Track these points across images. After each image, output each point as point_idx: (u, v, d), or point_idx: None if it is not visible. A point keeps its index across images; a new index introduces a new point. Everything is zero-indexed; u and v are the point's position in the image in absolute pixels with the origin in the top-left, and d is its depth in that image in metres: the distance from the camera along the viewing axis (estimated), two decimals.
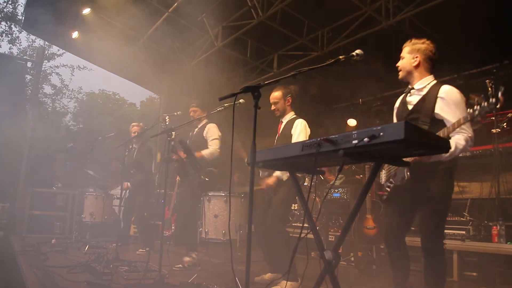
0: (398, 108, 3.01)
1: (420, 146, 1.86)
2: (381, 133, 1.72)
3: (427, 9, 6.11)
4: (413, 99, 2.83)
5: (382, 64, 8.33)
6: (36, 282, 3.68)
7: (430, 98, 2.68)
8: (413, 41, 2.86)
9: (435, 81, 2.79)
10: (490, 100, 2.25)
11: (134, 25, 9.00)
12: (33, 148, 7.99)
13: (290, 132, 4.02)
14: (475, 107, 2.32)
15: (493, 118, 5.18)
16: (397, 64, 2.92)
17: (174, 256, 5.16)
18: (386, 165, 2.92)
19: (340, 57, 2.25)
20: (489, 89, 5.59)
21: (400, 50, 2.93)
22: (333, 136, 1.92)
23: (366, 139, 1.76)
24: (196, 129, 5.10)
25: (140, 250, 6.07)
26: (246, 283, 2.09)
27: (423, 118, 2.65)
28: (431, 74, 2.83)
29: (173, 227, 7.09)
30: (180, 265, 4.67)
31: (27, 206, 7.28)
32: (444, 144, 1.98)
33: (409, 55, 2.84)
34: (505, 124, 5.12)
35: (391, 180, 2.83)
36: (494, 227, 4.65)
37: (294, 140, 3.92)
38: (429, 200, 2.63)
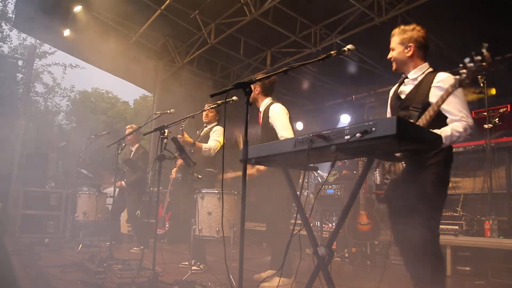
0: (392, 98, 2.91)
1: (412, 141, 1.86)
2: (373, 128, 1.72)
3: (419, 5, 6.12)
4: (406, 88, 2.74)
5: (375, 61, 8.39)
6: (30, 282, 3.65)
7: (424, 86, 2.59)
8: (402, 28, 2.72)
9: (431, 69, 2.69)
10: (475, 58, 2.19)
11: (126, 23, 8.95)
12: (26, 147, 7.93)
13: (269, 121, 3.99)
14: (462, 71, 2.24)
15: (485, 113, 5.21)
16: (389, 56, 2.79)
17: (168, 255, 5.16)
18: (380, 164, 2.80)
19: (332, 52, 2.24)
20: (481, 84, 5.59)
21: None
22: (326, 132, 1.92)
23: (358, 135, 1.75)
24: (206, 129, 5.07)
25: (135, 248, 6.06)
26: (240, 280, 2.08)
27: (414, 105, 2.56)
28: (425, 61, 2.72)
29: (167, 225, 7.08)
30: (187, 263, 4.69)
31: (20, 206, 7.23)
32: (437, 140, 1.98)
33: (401, 46, 2.71)
34: (497, 119, 5.14)
35: (386, 176, 2.72)
36: (487, 221, 4.68)
37: (278, 131, 3.88)
38: (424, 191, 2.51)
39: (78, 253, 5.36)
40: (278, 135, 3.85)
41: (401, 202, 2.60)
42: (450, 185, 5.80)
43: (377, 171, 2.81)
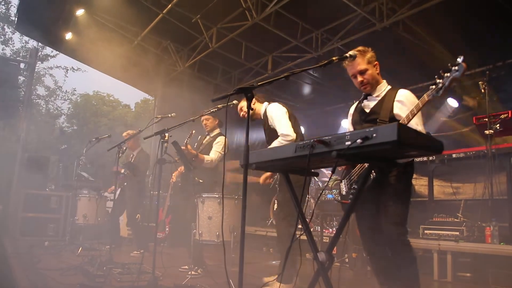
0: (354, 114, 2.97)
1: (413, 147, 1.86)
2: (374, 135, 1.72)
3: (421, 11, 6.13)
4: (370, 103, 2.80)
5: None
6: (29, 285, 3.65)
7: (388, 101, 2.68)
8: (359, 49, 2.71)
9: (390, 86, 2.79)
10: (452, 68, 2.21)
11: (128, 27, 8.98)
12: (27, 149, 7.93)
13: (269, 124, 4.01)
14: (438, 80, 2.25)
15: (486, 119, 5.20)
16: (362, 79, 2.76)
17: (168, 258, 5.15)
18: (347, 175, 2.83)
19: (333, 58, 2.24)
20: (483, 90, 5.59)
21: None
22: (326, 137, 1.92)
23: (359, 141, 1.75)
24: (208, 137, 5.07)
25: (134, 252, 6.04)
26: (239, 285, 2.08)
27: (382, 118, 2.64)
28: (383, 79, 2.83)
29: (167, 229, 7.07)
30: (186, 266, 4.68)
31: (20, 208, 7.21)
32: (437, 145, 1.97)
33: (371, 65, 2.75)
34: (498, 125, 5.13)
35: (353, 186, 2.74)
36: (488, 228, 4.66)
37: (277, 130, 3.86)
38: (392, 194, 2.59)
39: (78, 256, 5.35)
40: (278, 134, 3.85)
41: (371, 206, 2.67)
42: (451, 190, 5.80)
43: (342, 182, 2.87)
